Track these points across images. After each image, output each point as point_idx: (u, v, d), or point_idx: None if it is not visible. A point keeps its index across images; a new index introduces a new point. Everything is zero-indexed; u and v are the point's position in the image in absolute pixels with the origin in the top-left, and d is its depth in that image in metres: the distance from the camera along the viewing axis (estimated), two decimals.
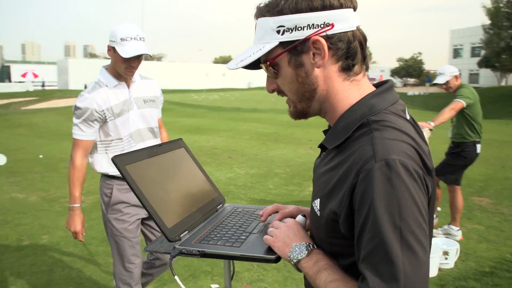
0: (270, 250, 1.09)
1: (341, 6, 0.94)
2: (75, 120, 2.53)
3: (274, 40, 0.97)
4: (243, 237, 1.18)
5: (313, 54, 0.96)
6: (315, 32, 0.94)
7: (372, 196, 0.83)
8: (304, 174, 8.08)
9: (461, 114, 4.66)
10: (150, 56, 2.59)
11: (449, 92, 4.88)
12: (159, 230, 1.21)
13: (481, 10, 34.66)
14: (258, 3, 1.02)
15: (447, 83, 4.79)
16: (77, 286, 3.75)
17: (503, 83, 46.38)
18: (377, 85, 1.05)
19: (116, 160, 1.10)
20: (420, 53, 66.52)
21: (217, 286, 3.74)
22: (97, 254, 4.42)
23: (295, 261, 1.01)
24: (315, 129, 15.62)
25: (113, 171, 2.59)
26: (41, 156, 10.00)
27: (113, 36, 2.48)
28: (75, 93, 33.38)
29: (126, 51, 2.42)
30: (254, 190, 6.88)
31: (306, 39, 0.95)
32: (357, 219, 0.87)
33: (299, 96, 1.02)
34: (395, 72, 68.07)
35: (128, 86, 2.67)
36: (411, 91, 45.33)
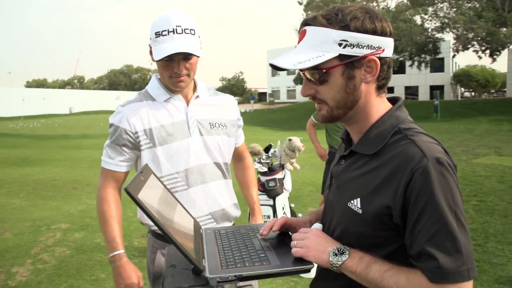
0: (298, 261, 1.12)
1: (390, 35, 1.10)
2: (106, 141, 1.91)
3: (334, 51, 1.05)
4: (263, 255, 1.16)
5: (364, 70, 1.08)
6: (371, 53, 1.06)
7: (431, 187, 0.97)
8: None
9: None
10: (197, 56, 1.79)
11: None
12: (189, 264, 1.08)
13: (294, 32, 38.63)
14: (318, 12, 1.10)
15: None
16: None
17: None
18: (389, 100, 1.20)
19: (130, 190, 0.95)
20: (242, 72, 70.38)
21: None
22: None
23: (339, 263, 1.06)
24: None
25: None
26: None
27: (151, 31, 1.79)
28: None
29: (159, 51, 1.72)
30: None
31: (364, 57, 1.06)
32: (413, 208, 0.99)
33: (340, 104, 1.11)
34: (219, 91, 70.84)
35: (188, 102, 1.91)
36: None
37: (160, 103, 1.87)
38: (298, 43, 1.12)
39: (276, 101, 55.33)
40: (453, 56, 36.26)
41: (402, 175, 1.00)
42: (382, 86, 1.13)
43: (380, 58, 1.08)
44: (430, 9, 31.29)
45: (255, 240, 1.28)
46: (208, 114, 1.93)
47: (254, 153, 4.90)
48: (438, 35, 33.49)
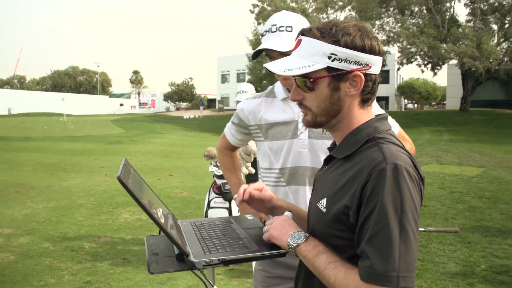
0: (274, 246, 1.22)
1: (379, 54, 1.15)
2: (232, 118, 2.13)
3: (323, 63, 1.12)
4: (241, 242, 1.25)
5: (349, 84, 1.14)
6: (358, 68, 1.12)
7: (382, 191, 1.00)
8: (111, 202, 7.73)
9: None
10: (285, 53, 1.77)
11: None
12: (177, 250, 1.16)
13: (245, 40, 38.96)
14: (312, 24, 1.19)
15: None
16: None
17: None
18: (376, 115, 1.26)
19: (122, 179, 1.00)
20: (191, 78, 69.81)
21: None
22: None
23: (294, 245, 1.14)
24: (104, 156, 15.03)
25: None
26: None
27: None
28: None
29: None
30: (62, 224, 6.26)
31: (350, 71, 1.12)
32: (364, 208, 1.02)
33: (324, 112, 1.17)
34: (168, 97, 69.29)
35: None
36: (186, 115, 47.34)
37: (278, 100, 1.95)
38: (293, 51, 1.19)
39: (225, 108, 55.29)
40: (398, 69, 37.92)
41: (362, 176, 1.05)
42: (367, 100, 1.18)
43: (365, 75, 1.13)
44: (377, 22, 32.58)
45: (231, 230, 1.38)
46: None
47: (210, 156, 4.94)
48: (384, 48, 34.86)
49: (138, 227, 6.15)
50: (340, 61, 1.10)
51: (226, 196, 4.62)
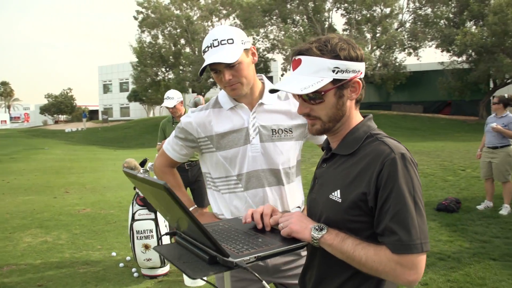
0: (294, 240, 1.31)
1: (363, 60, 1.36)
2: (175, 133, 2.10)
3: (329, 77, 1.30)
4: (260, 240, 1.32)
5: (350, 90, 1.35)
6: (355, 75, 1.33)
7: (396, 176, 1.22)
8: (6, 226, 7.01)
9: None
10: (229, 65, 1.83)
11: (175, 116, 5.31)
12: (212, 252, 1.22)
13: (129, 48, 37.70)
14: (308, 42, 1.34)
15: (174, 107, 5.21)
16: None
17: (151, 115, 51.28)
18: (363, 115, 1.47)
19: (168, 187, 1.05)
20: (70, 89, 65.66)
21: None
22: None
23: (319, 236, 1.28)
24: None
25: (222, 214, 2.02)
26: None
27: None
28: None
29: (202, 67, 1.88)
30: None
31: (350, 79, 1.32)
32: (382, 192, 1.22)
33: (331, 118, 1.36)
34: (44, 110, 64.31)
35: (252, 109, 1.98)
36: (68, 128, 44.46)
37: (225, 110, 2.00)
38: (293, 70, 1.35)
39: (110, 119, 52.94)
40: (282, 75, 39.55)
41: (375, 166, 1.25)
42: (359, 100, 1.40)
43: (360, 79, 1.34)
44: (262, 30, 33.65)
45: (239, 231, 1.44)
46: (272, 120, 2.00)
47: (130, 168, 4.74)
48: (269, 56, 36.16)
49: (45, 250, 5.66)
50: (342, 72, 1.30)
51: (151, 207, 4.46)
